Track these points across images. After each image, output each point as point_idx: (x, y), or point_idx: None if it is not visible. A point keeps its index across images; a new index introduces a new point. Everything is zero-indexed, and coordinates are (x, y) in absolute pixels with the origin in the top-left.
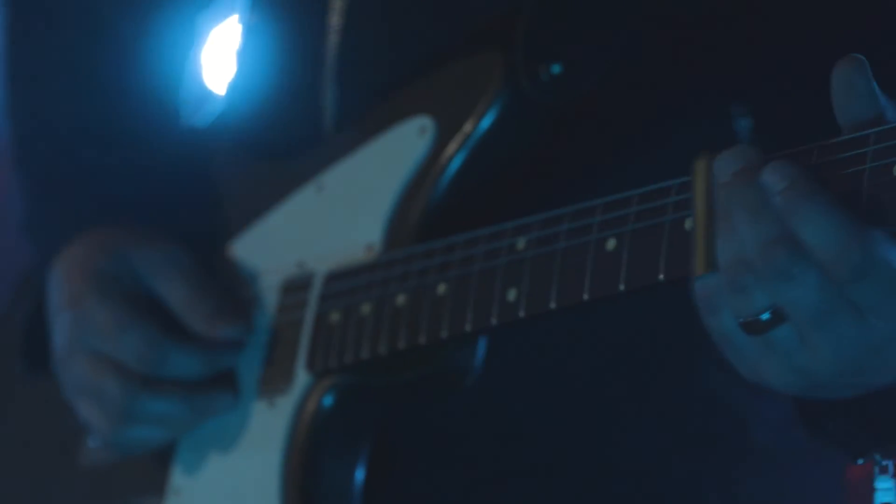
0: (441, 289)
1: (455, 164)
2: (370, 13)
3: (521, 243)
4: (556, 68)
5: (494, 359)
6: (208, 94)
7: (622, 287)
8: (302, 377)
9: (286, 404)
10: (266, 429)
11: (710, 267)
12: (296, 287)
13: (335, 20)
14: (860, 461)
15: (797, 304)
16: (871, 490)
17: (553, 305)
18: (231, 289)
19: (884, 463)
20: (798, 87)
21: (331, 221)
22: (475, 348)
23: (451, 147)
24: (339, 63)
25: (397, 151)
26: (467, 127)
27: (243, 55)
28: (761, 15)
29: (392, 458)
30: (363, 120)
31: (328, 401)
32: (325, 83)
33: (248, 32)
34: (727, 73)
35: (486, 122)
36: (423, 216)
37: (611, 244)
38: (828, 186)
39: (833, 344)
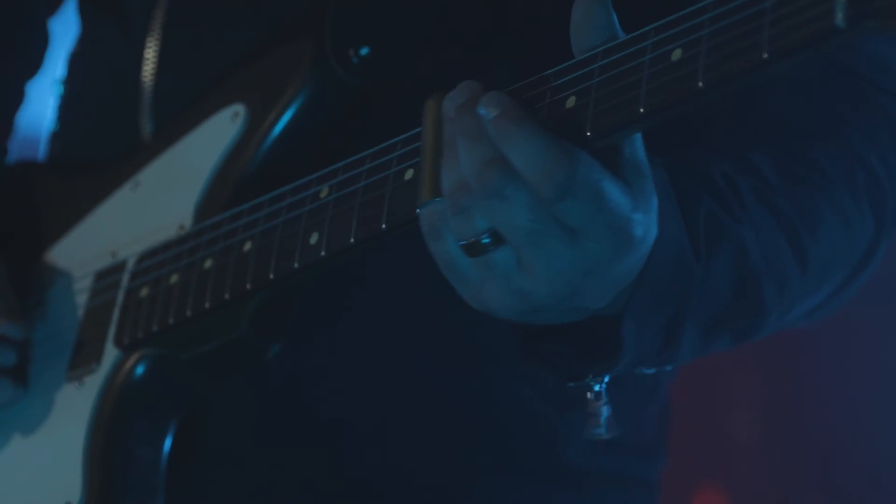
0: (247, 246)
1: (267, 143)
2: (184, 44)
3: (324, 191)
4: (364, 51)
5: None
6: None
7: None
8: (111, 353)
9: (95, 381)
10: (72, 407)
11: (433, 194)
12: (108, 273)
13: (150, 52)
14: (571, 384)
15: (511, 223)
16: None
17: (352, 240)
18: (41, 290)
19: (596, 388)
20: None
21: (146, 212)
22: (278, 321)
23: (263, 127)
24: (154, 96)
25: (210, 139)
26: (278, 108)
27: (64, 88)
28: None
29: (197, 432)
30: (179, 119)
31: (138, 371)
32: (142, 117)
33: (69, 65)
34: (520, 51)
35: (297, 102)
36: (235, 193)
37: (409, 174)
38: (541, 112)
39: (547, 264)
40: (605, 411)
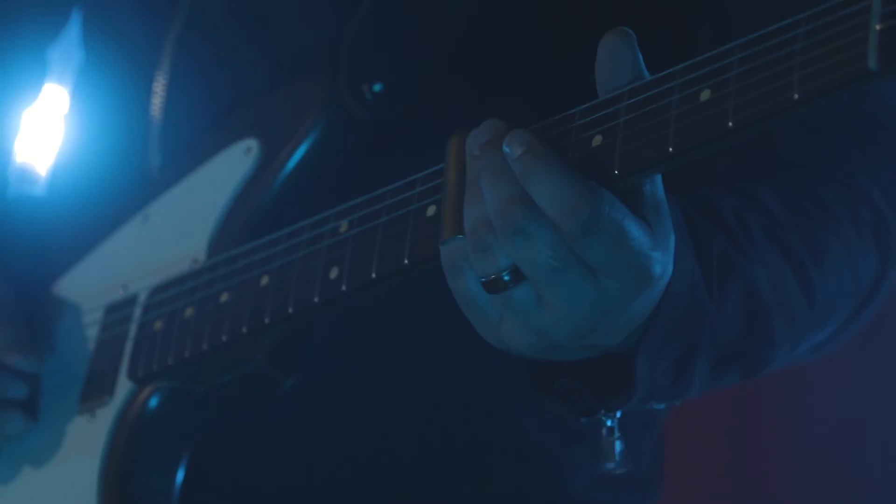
0: (265, 280)
1: (281, 177)
2: (193, 77)
3: (343, 226)
4: (377, 87)
5: (313, 367)
6: (31, 164)
7: (406, 261)
8: (124, 386)
9: (108, 413)
10: (86, 439)
11: (456, 231)
12: (120, 306)
13: (159, 85)
14: (584, 419)
15: (533, 261)
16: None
17: (374, 276)
18: (50, 322)
19: (609, 423)
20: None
21: (157, 246)
22: (293, 355)
23: (277, 162)
24: (163, 129)
25: (222, 173)
26: (292, 143)
27: (71, 121)
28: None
29: (210, 462)
30: (189, 153)
31: (153, 403)
32: (151, 148)
33: (76, 98)
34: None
35: (311, 137)
36: (248, 227)
37: (431, 210)
38: (567, 150)
39: (567, 302)
40: (618, 446)
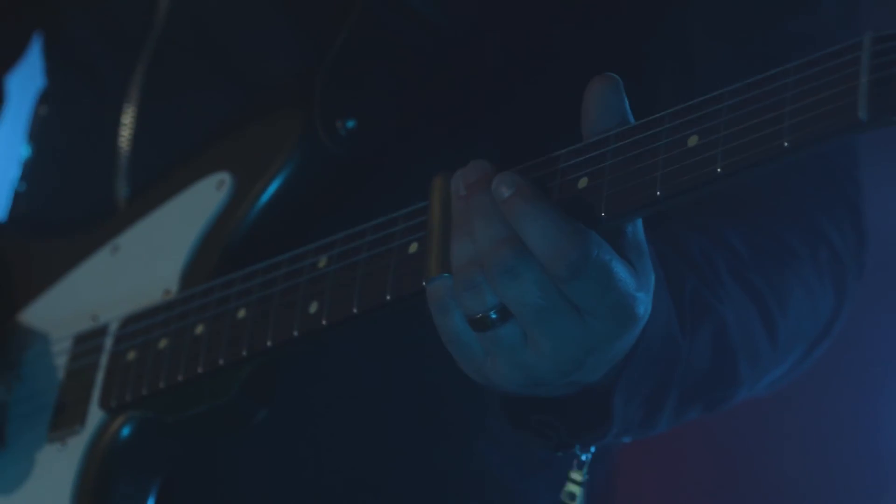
0: (241, 313)
1: (254, 211)
2: (163, 109)
3: (322, 261)
4: (351, 123)
5: (285, 401)
6: None
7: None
8: (96, 415)
9: (79, 442)
10: (56, 468)
11: (442, 269)
12: (90, 336)
13: (128, 117)
14: (559, 453)
15: (521, 300)
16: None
17: (355, 310)
18: (17, 351)
19: (583, 457)
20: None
21: (127, 276)
22: (266, 386)
23: (250, 196)
24: (131, 161)
25: (195, 206)
26: (265, 178)
27: (34, 147)
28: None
29: (181, 492)
30: (158, 185)
31: (125, 432)
32: (118, 181)
33: (39, 125)
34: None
35: (284, 173)
36: (221, 260)
37: (413, 247)
38: (553, 191)
39: (554, 340)
40: (584, 479)
